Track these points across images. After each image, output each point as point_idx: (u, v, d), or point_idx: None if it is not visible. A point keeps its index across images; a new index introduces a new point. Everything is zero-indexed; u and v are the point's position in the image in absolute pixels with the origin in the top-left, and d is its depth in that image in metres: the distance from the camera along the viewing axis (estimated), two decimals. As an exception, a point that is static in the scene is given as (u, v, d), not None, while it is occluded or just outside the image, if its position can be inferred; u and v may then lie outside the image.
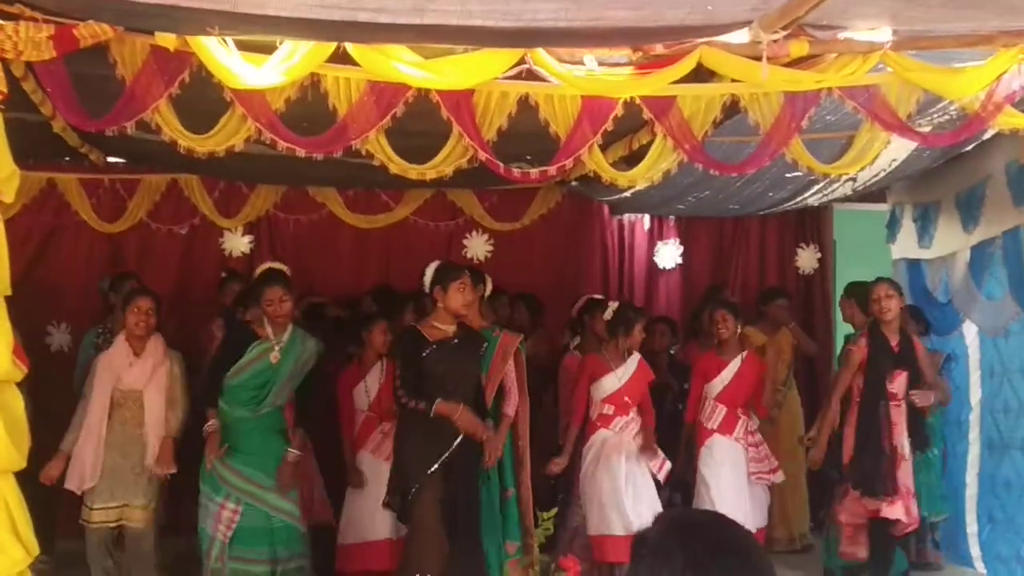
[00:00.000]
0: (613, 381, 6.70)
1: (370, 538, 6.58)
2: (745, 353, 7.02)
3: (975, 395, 7.47)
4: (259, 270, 6.37)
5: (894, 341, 6.49)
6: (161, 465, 6.11)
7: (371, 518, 6.55)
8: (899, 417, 6.42)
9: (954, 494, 7.42)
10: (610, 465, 6.62)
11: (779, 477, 7.08)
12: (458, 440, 5.76)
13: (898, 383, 6.46)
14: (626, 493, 6.55)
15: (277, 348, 5.99)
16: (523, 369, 6.49)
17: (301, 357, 6.07)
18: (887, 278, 6.77)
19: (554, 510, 6.71)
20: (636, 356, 6.81)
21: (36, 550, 4.14)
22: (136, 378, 6.20)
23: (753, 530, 6.74)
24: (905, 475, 6.38)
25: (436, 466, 5.70)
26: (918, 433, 6.43)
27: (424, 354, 5.77)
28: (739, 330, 7.01)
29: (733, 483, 6.83)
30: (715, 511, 2.07)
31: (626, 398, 6.70)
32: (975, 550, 7.30)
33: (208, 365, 6.37)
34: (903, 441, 6.39)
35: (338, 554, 6.63)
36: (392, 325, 6.86)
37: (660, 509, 6.54)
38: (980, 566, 7.27)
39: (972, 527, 7.34)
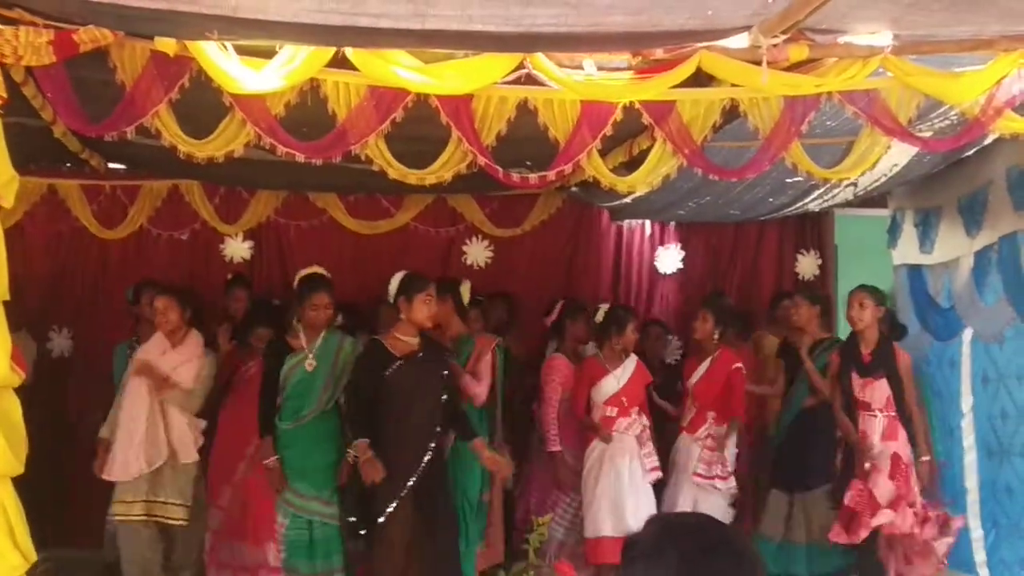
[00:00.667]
0: (612, 383, 6.71)
1: None
2: (718, 352, 7.00)
3: (966, 402, 7.43)
4: (302, 274, 6.34)
5: (867, 350, 6.47)
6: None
7: None
8: (872, 427, 6.37)
9: (953, 501, 7.39)
10: (615, 467, 6.63)
11: (726, 485, 6.93)
12: (427, 459, 5.72)
13: (870, 392, 6.42)
14: (629, 495, 6.55)
15: (312, 355, 5.98)
16: (495, 370, 6.49)
17: (339, 357, 6.07)
18: (867, 286, 6.74)
19: (549, 516, 6.71)
20: (634, 358, 6.80)
21: (33, 556, 4.13)
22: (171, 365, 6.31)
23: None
24: (883, 488, 6.29)
25: (407, 489, 5.66)
26: (912, 441, 6.39)
27: (388, 372, 5.72)
28: (719, 333, 6.98)
29: (683, 483, 6.88)
30: (706, 515, 2.07)
31: (624, 399, 6.69)
32: (980, 556, 7.26)
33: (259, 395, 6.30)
34: (883, 450, 6.34)
35: None
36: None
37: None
38: (984, 572, 7.24)
39: (976, 532, 7.30)
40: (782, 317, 8.18)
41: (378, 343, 5.84)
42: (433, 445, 5.79)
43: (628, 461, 6.61)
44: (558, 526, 7.07)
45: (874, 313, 6.49)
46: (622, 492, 6.57)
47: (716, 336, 7.05)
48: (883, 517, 6.21)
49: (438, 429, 5.84)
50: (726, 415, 6.94)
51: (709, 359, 6.99)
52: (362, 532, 5.87)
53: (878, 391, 6.41)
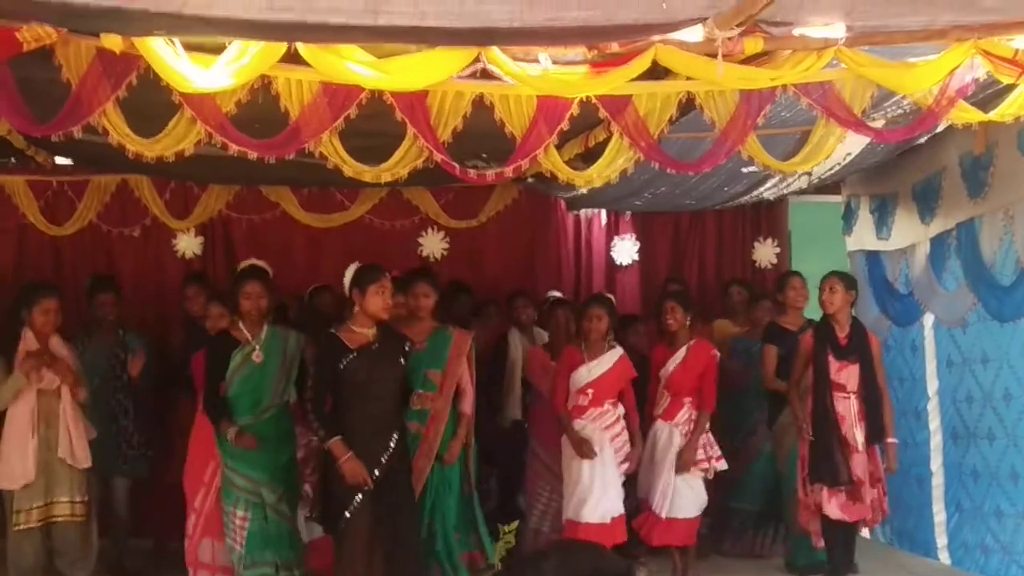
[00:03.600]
0: (584, 373, 6.66)
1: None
2: (692, 342, 6.97)
3: (932, 385, 7.51)
4: (240, 266, 6.26)
5: (842, 333, 6.53)
6: None
7: None
8: (847, 409, 6.46)
9: (918, 484, 7.46)
10: (577, 455, 6.60)
11: (722, 465, 6.95)
12: (390, 450, 5.66)
13: (845, 375, 6.49)
14: (596, 485, 6.53)
15: (258, 348, 5.93)
16: (473, 367, 6.46)
17: (287, 350, 6.02)
18: (839, 272, 6.79)
19: (515, 523, 6.68)
20: (618, 351, 6.73)
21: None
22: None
23: (688, 519, 6.80)
24: (858, 466, 6.42)
25: (370, 481, 5.59)
26: (873, 425, 6.45)
27: (343, 364, 5.64)
28: (688, 321, 6.97)
29: (665, 470, 6.82)
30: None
31: (590, 391, 6.64)
32: (941, 540, 7.35)
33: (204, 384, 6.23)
34: (854, 433, 6.43)
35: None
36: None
37: (623, 505, 6.59)
38: (944, 556, 7.32)
39: (940, 516, 7.40)
40: (735, 304, 8.21)
41: (332, 336, 5.76)
42: (396, 436, 5.72)
43: (597, 450, 6.58)
44: (532, 514, 7.12)
45: (844, 298, 6.55)
46: (586, 482, 6.56)
47: (687, 324, 7.01)
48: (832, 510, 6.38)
49: (399, 420, 5.79)
50: (699, 403, 6.91)
51: (684, 348, 6.92)
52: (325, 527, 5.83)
53: (853, 374, 6.49)
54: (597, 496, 6.51)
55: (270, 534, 5.95)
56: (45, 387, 6.14)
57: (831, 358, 6.51)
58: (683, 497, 6.75)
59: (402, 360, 5.82)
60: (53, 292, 6.39)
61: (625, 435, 6.67)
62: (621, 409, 6.69)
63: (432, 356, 6.28)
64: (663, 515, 6.73)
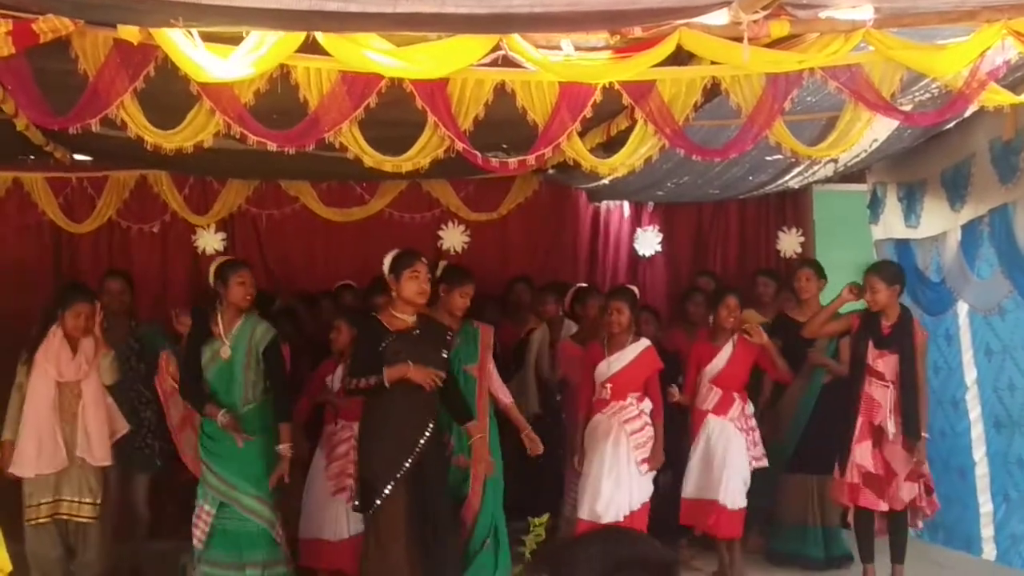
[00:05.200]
0: (604, 368, 6.62)
1: (327, 536, 6.45)
2: (736, 337, 6.95)
3: (970, 374, 7.38)
4: (219, 261, 6.22)
5: (887, 323, 6.44)
6: None
7: (331, 515, 6.44)
8: (884, 397, 6.37)
9: (960, 475, 7.33)
10: (596, 449, 6.55)
11: (763, 463, 7.01)
12: (423, 440, 5.64)
13: (883, 364, 6.41)
14: (607, 480, 6.47)
15: (227, 343, 5.90)
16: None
17: (252, 342, 5.95)
18: (878, 266, 6.66)
19: (546, 516, 6.63)
20: (642, 344, 6.67)
21: (8, 566, 4.02)
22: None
23: (735, 510, 6.78)
24: (890, 456, 6.33)
25: (403, 470, 5.56)
26: (908, 418, 6.34)
27: (383, 345, 5.64)
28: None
29: (723, 463, 6.83)
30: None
31: (609, 385, 6.58)
32: (987, 531, 7.21)
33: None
34: (888, 423, 6.34)
35: (300, 548, 6.48)
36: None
37: (642, 500, 6.51)
38: (990, 548, 7.18)
39: (986, 507, 7.25)
40: (761, 294, 8.13)
41: (373, 319, 5.79)
42: (431, 424, 5.69)
43: (611, 447, 6.51)
44: (567, 503, 7.14)
45: (888, 294, 6.42)
46: (600, 477, 6.50)
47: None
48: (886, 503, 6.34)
49: (436, 411, 5.75)
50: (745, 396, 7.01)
51: (730, 344, 6.93)
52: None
53: (891, 364, 6.39)
54: (609, 491, 6.46)
55: (237, 533, 5.88)
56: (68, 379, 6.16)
57: (871, 346, 6.44)
58: (738, 488, 6.84)
59: (444, 350, 5.81)
60: (90, 298, 6.36)
61: (649, 431, 6.58)
62: (647, 404, 6.62)
63: (466, 351, 6.26)
64: (731, 506, 6.78)
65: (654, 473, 6.60)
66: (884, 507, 6.42)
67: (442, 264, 6.55)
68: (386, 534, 5.58)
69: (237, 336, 5.94)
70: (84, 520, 6.20)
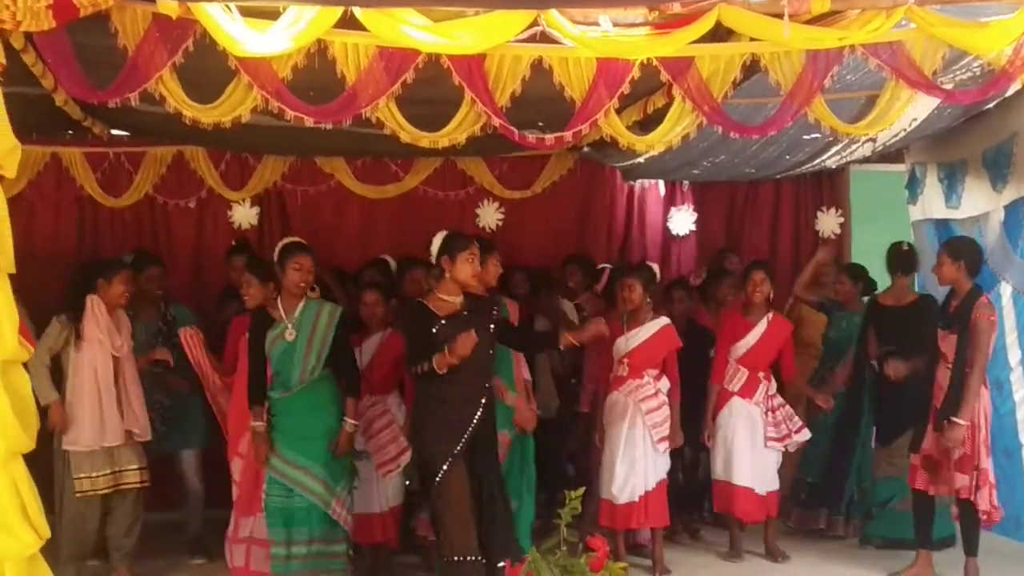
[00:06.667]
0: (622, 344, 6.61)
1: (372, 510, 6.51)
2: (771, 315, 6.93)
3: (1014, 355, 7.25)
4: (284, 241, 6.18)
5: (955, 301, 6.29)
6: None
7: (371, 489, 6.49)
8: (945, 378, 6.27)
9: (1006, 457, 7.22)
10: (613, 430, 6.59)
11: (804, 435, 6.99)
12: (478, 415, 5.65)
13: (947, 344, 6.29)
14: (621, 463, 6.50)
15: (291, 325, 5.88)
16: None
17: (318, 324, 5.93)
18: (950, 241, 6.60)
19: (582, 489, 6.63)
20: (660, 322, 6.65)
21: (47, 533, 4.06)
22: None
23: (763, 494, 6.81)
24: (930, 444, 6.29)
25: (461, 445, 5.58)
26: (947, 400, 6.24)
27: (434, 330, 5.62)
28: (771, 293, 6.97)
29: (747, 447, 6.86)
30: None
31: (626, 360, 6.57)
32: None
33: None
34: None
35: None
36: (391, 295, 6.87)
37: (659, 478, 6.55)
38: None
39: None
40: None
41: (421, 305, 5.75)
42: (484, 402, 5.70)
43: (626, 427, 6.51)
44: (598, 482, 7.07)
45: (951, 269, 6.27)
46: (614, 459, 6.53)
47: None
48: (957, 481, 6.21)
49: (488, 386, 5.76)
50: (770, 377, 7.01)
51: (765, 321, 6.90)
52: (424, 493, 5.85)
53: (951, 344, 6.25)
54: (624, 474, 6.50)
55: (284, 510, 5.87)
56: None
57: (939, 326, 6.36)
58: (768, 472, 6.89)
59: (491, 326, 5.79)
60: (129, 269, 6.48)
61: (665, 410, 6.59)
62: (665, 383, 6.62)
63: None
64: (761, 491, 6.84)
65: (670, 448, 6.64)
66: (942, 491, 6.30)
67: None
68: (457, 505, 5.57)
69: (301, 319, 5.91)
70: (135, 487, 6.29)
